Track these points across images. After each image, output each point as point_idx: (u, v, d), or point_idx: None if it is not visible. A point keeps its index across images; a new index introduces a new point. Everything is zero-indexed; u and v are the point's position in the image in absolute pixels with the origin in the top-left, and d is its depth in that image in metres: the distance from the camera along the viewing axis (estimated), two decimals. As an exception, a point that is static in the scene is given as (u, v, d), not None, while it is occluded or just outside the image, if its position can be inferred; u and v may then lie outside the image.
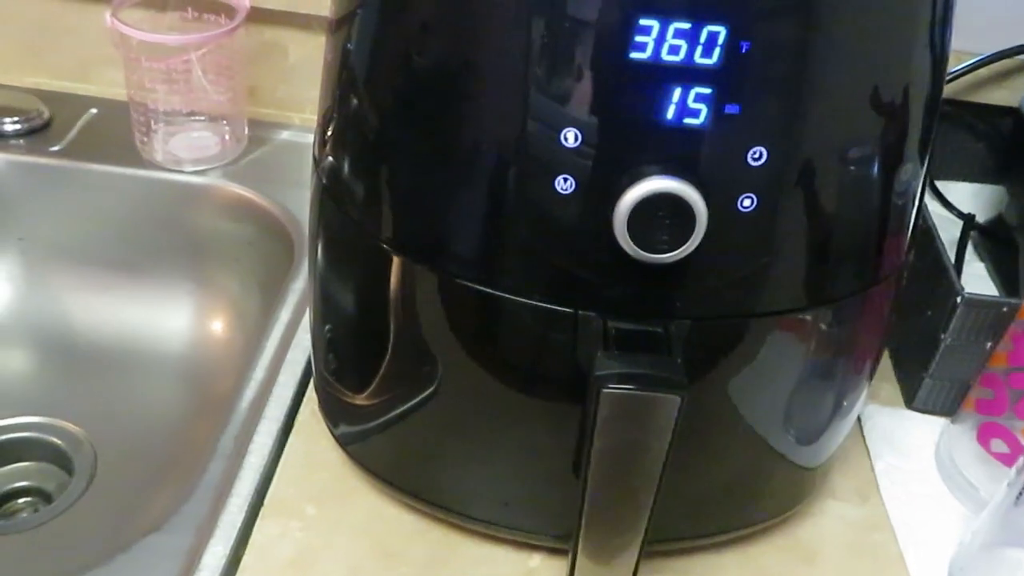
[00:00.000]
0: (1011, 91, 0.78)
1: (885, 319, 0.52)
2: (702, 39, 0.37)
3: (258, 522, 0.55)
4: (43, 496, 0.72)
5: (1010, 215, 0.74)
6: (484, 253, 0.44)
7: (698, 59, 0.37)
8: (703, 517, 0.54)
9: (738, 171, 0.40)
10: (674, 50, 0.37)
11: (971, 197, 0.77)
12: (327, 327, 0.55)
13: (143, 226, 0.79)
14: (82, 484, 0.70)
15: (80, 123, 0.83)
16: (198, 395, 0.76)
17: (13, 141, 0.80)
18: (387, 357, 0.51)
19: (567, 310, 0.43)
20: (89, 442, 0.73)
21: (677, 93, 0.38)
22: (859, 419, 0.65)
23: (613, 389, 0.41)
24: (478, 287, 0.44)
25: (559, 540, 0.53)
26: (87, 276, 0.80)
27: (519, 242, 0.43)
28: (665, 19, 0.37)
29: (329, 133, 0.49)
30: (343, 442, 0.57)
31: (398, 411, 0.52)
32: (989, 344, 0.62)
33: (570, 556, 0.47)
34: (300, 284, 0.70)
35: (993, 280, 0.71)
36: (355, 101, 0.46)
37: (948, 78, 0.46)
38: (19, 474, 0.73)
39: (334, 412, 0.58)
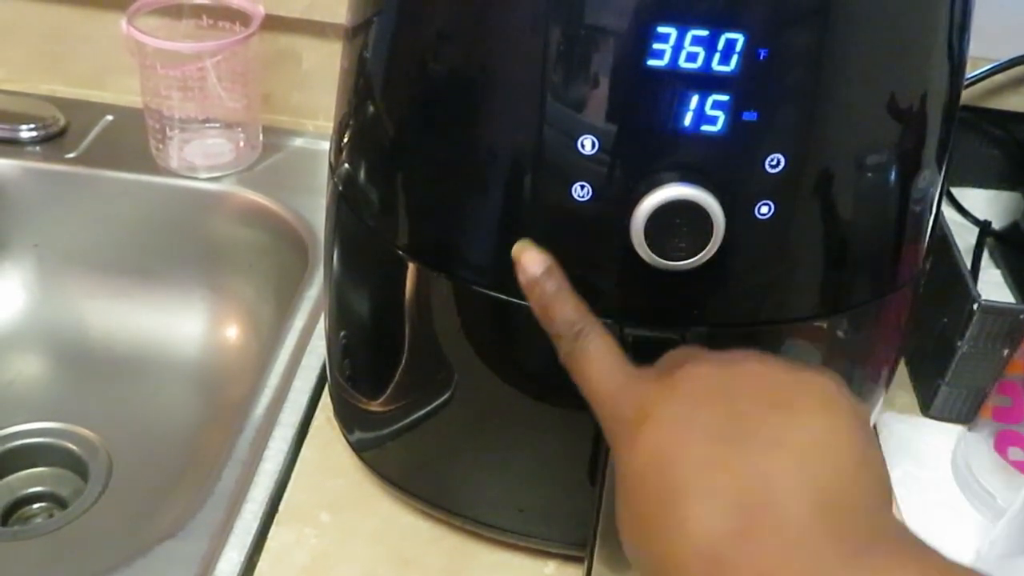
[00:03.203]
0: (1027, 97, 0.78)
1: (901, 327, 0.52)
2: (720, 46, 0.37)
3: (273, 529, 0.55)
4: (58, 502, 0.72)
5: (1027, 222, 0.73)
6: (500, 260, 0.44)
7: (716, 66, 0.37)
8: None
9: (756, 178, 0.39)
10: (692, 57, 0.37)
11: (987, 203, 0.77)
12: (342, 333, 0.55)
13: (158, 233, 0.80)
14: (97, 490, 0.70)
15: (96, 130, 0.83)
16: (213, 401, 0.76)
17: (29, 148, 0.81)
18: (402, 363, 0.51)
19: (583, 317, 0.43)
20: (104, 448, 0.73)
21: (695, 100, 0.38)
22: (875, 427, 0.65)
23: (630, 396, 0.41)
24: (494, 294, 0.44)
25: (574, 547, 0.53)
26: (102, 282, 0.81)
27: (536, 249, 0.43)
28: (683, 26, 0.37)
29: (345, 140, 0.49)
30: (358, 448, 0.57)
31: (413, 417, 0.52)
32: (1006, 351, 0.61)
33: (586, 563, 0.47)
34: (314, 291, 0.70)
35: (1009, 287, 0.71)
36: (371, 108, 0.46)
37: (964, 84, 0.46)
38: (34, 479, 0.73)
39: (349, 418, 0.58)
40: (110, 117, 0.85)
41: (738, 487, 0.31)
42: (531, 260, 0.40)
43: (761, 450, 0.32)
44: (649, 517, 0.32)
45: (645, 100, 0.38)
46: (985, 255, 0.73)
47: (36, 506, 0.72)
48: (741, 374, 0.35)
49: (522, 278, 0.40)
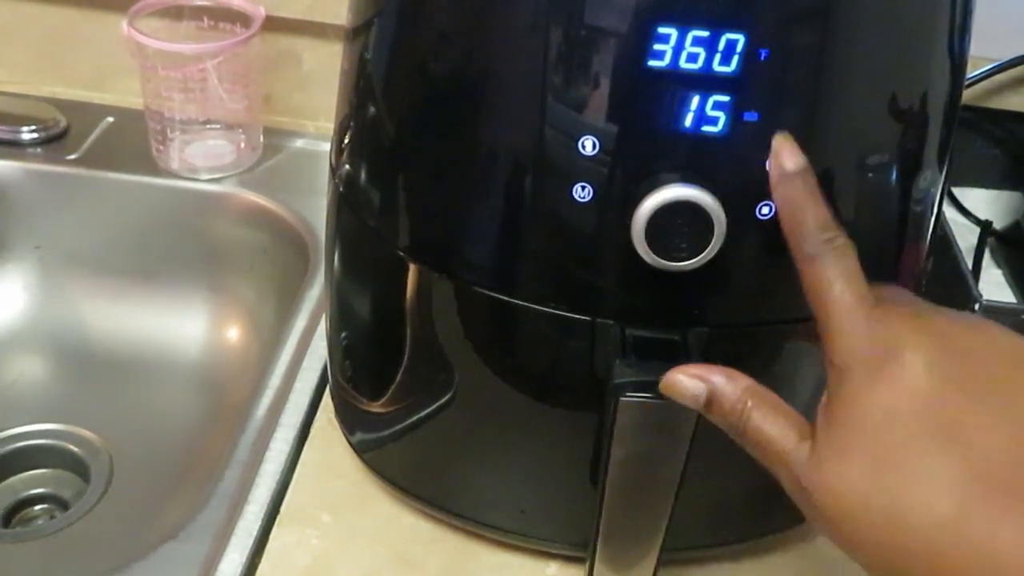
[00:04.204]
0: (1028, 97, 0.78)
1: (903, 326, 0.51)
2: (720, 47, 0.37)
3: (274, 530, 0.55)
4: (59, 503, 0.72)
5: (1028, 221, 0.73)
6: (501, 261, 0.44)
7: (716, 67, 0.37)
8: (721, 525, 0.54)
9: (756, 179, 0.39)
10: (692, 58, 0.37)
11: (988, 203, 0.77)
12: (343, 334, 0.55)
13: (159, 234, 0.80)
14: (98, 491, 0.70)
15: (97, 132, 0.83)
16: (214, 402, 0.76)
17: (30, 150, 0.81)
18: (404, 365, 0.51)
19: (584, 318, 0.43)
20: (105, 449, 0.73)
21: (695, 101, 0.38)
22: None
23: (631, 397, 0.41)
24: (495, 295, 0.44)
25: (576, 548, 0.53)
26: (104, 284, 0.81)
27: (536, 250, 0.43)
28: (683, 27, 0.37)
29: (346, 141, 0.49)
30: (359, 449, 0.57)
31: (415, 419, 0.52)
32: (1008, 352, 0.61)
33: (588, 565, 0.47)
34: (315, 291, 0.70)
35: (1011, 287, 0.70)
36: (372, 109, 0.46)
37: (965, 84, 0.46)
38: (35, 481, 0.73)
39: (350, 419, 0.58)
40: (111, 119, 0.85)
41: (1005, 441, 0.32)
42: (791, 155, 0.37)
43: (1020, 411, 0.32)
44: (897, 455, 0.33)
45: (646, 101, 0.38)
46: (986, 255, 0.73)
47: (38, 507, 0.72)
48: (991, 339, 0.35)
49: (774, 171, 0.38)
